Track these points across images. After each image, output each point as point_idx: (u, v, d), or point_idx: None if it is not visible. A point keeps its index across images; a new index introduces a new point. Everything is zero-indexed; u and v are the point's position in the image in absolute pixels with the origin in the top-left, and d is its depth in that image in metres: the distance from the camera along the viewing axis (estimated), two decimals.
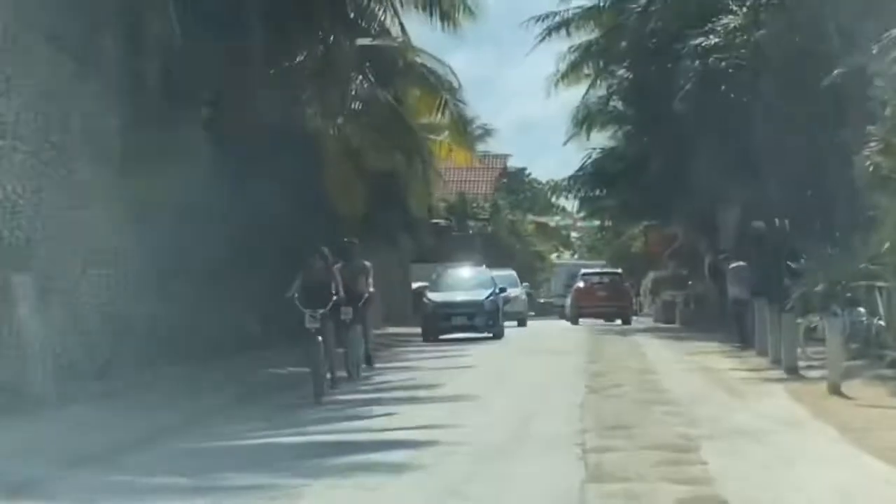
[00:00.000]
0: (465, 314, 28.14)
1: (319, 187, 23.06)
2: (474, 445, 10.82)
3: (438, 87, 31.84)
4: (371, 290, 17.74)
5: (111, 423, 12.93)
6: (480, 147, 59.30)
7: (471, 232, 53.27)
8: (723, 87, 27.88)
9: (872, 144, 17.06)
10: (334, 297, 14.98)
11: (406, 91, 31.58)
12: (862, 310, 17.62)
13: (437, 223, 45.72)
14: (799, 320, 19.69)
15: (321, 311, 14.80)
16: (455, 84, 30.17)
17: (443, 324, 28.14)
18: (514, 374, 18.75)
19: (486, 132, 64.87)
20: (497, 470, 9.60)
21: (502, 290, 29.72)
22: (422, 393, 15.74)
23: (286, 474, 9.49)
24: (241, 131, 19.19)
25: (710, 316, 33.37)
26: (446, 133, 40.07)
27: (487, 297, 28.26)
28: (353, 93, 27.83)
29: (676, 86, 29.22)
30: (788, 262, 23.11)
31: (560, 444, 10.63)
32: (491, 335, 27.62)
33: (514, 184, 70.12)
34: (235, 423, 12.97)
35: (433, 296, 28.90)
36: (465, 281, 29.99)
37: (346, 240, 18.30)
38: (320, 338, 14.86)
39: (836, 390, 14.38)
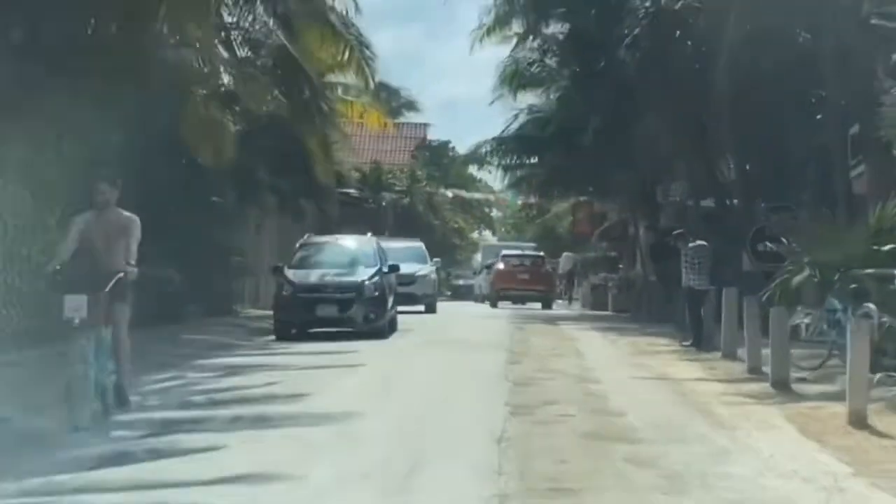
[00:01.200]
0: (336, 302, 20.11)
1: (174, 130, 18.33)
2: None
3: (342, 32, 27.41)
4: (132, 265, 9.99)
5: None
6: (402, 119, 55.72)
7: (384, 204, 49.20)
8: (677, 34, 23.51)
9: None
10: None
11: (304, 34, 26.96)
12: (872, 305, 13.31)
13: (346, 193, 41.55)
14: None
15: None
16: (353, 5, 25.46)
17: (303, 315, 20.16)
18: (411, 379, 14.14)
19: (408, 104, 61.29)
20: None
21: (393, 267, 22.04)
22: (276, 409, 11.07)
23: None
24: (58, 47, 14.39)
25: (647, 303, 29.12)
26: (362, 98, 36.06)
27: (369, 279, 20.50)
28: (235, 22, 23.19)
29: (620, 35, 24.85)
30: (765, 243, 19.02)
31: None
32: (373, 332, 19.92)
33: (437, 157, 66.11)
34: None
35: (293, 275, 20.72)
36: (340, 255, 21.87)
37: (96, 178, 10.29)
38: None
39: (860, 422, 10.08)
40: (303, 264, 21.35)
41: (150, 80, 16.72)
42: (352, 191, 43.39)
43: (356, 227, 31.21)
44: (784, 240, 17.29)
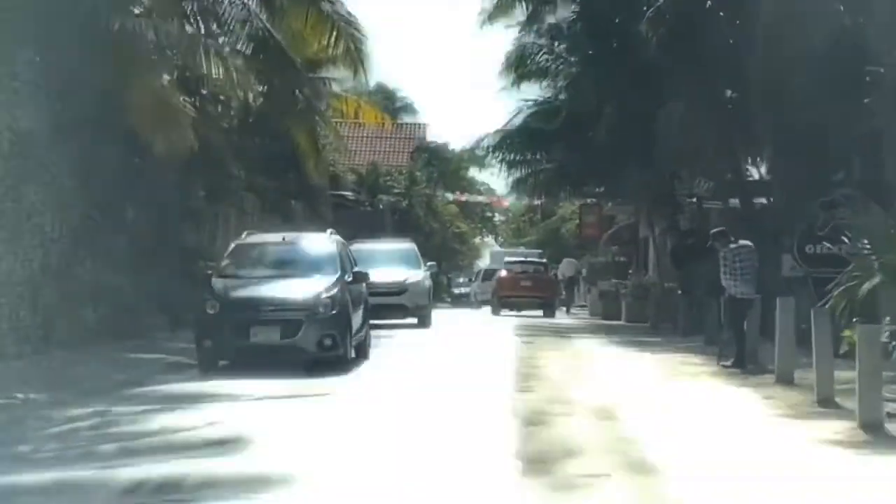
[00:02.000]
0: (279, 323, 14.87)
1: (129, 115, 15.52)
2: None
3: (329, 12, 24.98)
4: None
5: None
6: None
7: (381, 206, 46.74)
8: (708, 4, 20.66)
9: None
10: None
11: (288, 16, 24.43)
12: None
13: (341, 195, 39.12)
14: (846, 332, 12.91)
15: None
16: None
17: (233, 341, 14.88)
18: (388, 419, 11.12)
19: (406, 106, 58.94)
20: None
21: (360, 275, 16.69)
22: (199, 466, 8.12)
23: None
24: None
25: (670, 313, 26.14)
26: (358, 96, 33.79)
27: (326, 291, 15.29)
28: None
29: (639, 9, 22.08)
30: (823, 244, 16.20)
31: None
32: (331, 362, 14.94)
33: (436, 160, 63.68)
34: None
35: (221, 287, 15.50)
36: (287, 260, 16.38)
37: None
38: None
39: None
40: (236, 272, 16.03)
41: (89, 49, 13.86)
42: (347, 193, 40.97)
43: (351, 231, 28.29)
44: (846, 239, 14.45)
